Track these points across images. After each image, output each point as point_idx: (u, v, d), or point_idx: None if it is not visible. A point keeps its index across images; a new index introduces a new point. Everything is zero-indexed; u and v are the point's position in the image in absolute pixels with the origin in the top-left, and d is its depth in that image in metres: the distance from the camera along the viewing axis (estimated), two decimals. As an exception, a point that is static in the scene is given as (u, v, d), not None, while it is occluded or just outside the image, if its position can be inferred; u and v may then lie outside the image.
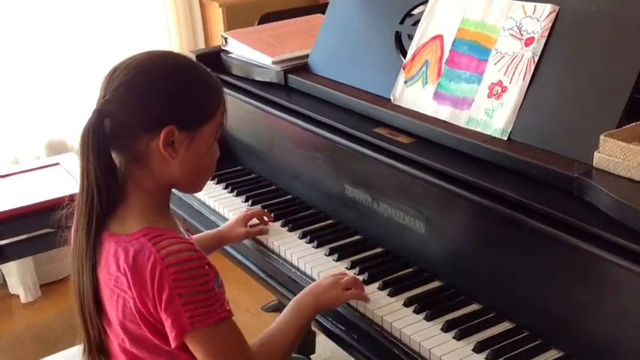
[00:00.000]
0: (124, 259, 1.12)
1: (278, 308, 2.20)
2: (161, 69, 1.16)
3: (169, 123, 1.13)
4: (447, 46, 1.49)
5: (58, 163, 2.79)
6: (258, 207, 1.72)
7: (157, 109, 1.13)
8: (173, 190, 1.26)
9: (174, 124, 1.13)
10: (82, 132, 1.12)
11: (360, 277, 1.41)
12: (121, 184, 1.17)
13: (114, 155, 1.15)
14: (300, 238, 1.59)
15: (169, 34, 3.27)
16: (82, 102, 1.07)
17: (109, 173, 1.14)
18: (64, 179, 2.62)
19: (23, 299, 2.96)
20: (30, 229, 2.50)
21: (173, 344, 1.12)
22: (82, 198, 1.15)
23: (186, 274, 1.10)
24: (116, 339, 1.19)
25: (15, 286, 2.98)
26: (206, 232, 1.64)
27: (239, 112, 1.93)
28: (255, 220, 1.66)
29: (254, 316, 2.48)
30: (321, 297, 1.31)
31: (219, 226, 1.69)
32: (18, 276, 2.94)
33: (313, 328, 1.90)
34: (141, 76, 1.14)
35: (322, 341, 2.33)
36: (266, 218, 1.67)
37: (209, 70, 1.23)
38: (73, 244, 1.19)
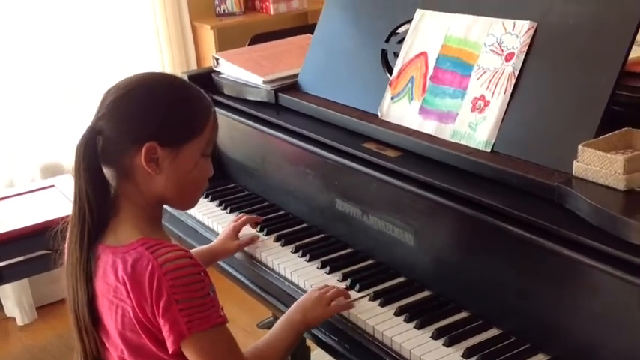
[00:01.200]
0: (123, 268, 1.15)
1: (273, 325, 2.21)
2: (152, 87, 1.20)
3: (151, 139, 1.15)
4: (432, 63, 1.54)
5: (53, 186, 2.82)
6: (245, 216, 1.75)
7: (140, 125, 1.17)
8: (167, 208, 1.28)
9: (157, 140, 1.16)
10: (75, 148, 1.16)
11: (352, 289, 1.44)
12: (113, 199, 1.20)
13: (105, 170, 1.18)
14: (293, 252, 1.63)
15: (162, 56, 3.32)
16: (77, 125, 1.10)
17: (101, 188, 1.18)
18: (60, 201, 2.65)
19: (20, 321, 2.97)
20: (26, 251, 2.53)
21: (171, 349, 1.15)
22: (75, 211, 1.18)
23: (183, 279, 1.13)
24: (115, 351, 1.22)
25: (11, 308, 2.99)
26: (200, 248, 1.66)
27: (231, 131, 1.97)
28: (244, 230, 1.69)
29: (249, 333, 2.50)
30: (308, 314, 1.35)
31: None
32: (14, 298, 2.95)
33: (307, 342, 1.91)
34: (131, 93, 1.18)
35: (317, 355, 2.35)
36: (253, 226, 1.70)
37: (202, 90, 1.25)
38: (67, 257, 1.22)
